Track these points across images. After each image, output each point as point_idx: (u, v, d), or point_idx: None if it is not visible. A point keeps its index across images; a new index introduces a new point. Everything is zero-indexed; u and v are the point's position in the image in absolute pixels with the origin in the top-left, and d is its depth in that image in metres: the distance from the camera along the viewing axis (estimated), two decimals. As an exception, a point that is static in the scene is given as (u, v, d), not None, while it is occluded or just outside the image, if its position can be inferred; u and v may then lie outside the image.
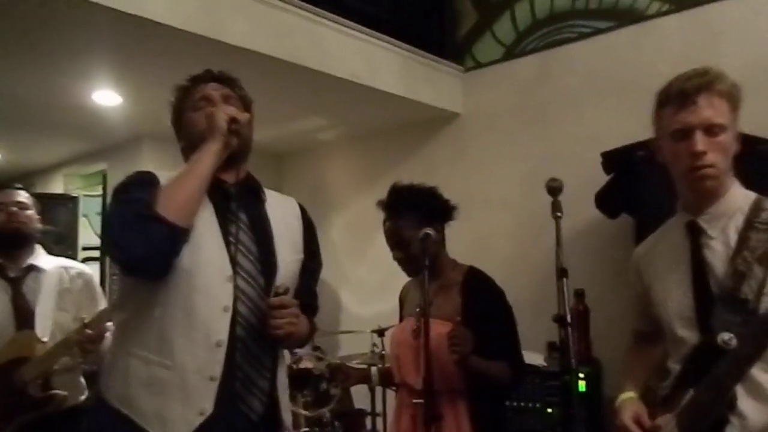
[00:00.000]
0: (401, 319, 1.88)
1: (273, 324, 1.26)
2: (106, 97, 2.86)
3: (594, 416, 2.37)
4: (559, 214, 1.45)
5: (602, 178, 2.38)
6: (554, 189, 1.47)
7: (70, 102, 2.90)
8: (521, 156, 2.97)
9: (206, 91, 1.41)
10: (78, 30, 2.15)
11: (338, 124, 3.44)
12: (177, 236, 1.22)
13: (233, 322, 1.27)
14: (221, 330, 1.26)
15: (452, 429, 1.65)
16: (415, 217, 1.71)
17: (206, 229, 1.28)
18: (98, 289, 2.01)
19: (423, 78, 3.06)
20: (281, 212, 1.44)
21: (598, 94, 2.73)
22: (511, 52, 3.07)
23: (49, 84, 2.69)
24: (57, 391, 1.80)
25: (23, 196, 1.94)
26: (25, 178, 4.19)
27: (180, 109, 1.43)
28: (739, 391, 1.28)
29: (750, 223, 1.35)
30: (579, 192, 2.47)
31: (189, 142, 1.38)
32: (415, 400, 1.63)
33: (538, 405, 2.31)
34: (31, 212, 1.92)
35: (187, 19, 2.15)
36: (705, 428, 1.30)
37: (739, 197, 1.40)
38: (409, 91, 2.96)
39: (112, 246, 1.24)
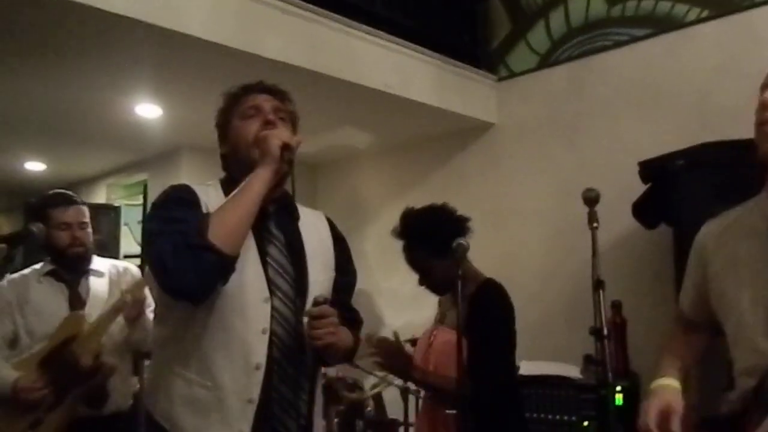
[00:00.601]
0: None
1: (313, 334, 1.25)
2: (148, 109, 2.95)
3: (631, 431, 2.31)
4: (595, 224, 1.42)
5: (638, 189, 2.34)
6: (590, 199, 1.44)
7: (114, 115, 3.00)
8: (555, 166, 2.94)
9: (257, 101, 1.38)
10: (121, 45, 2.22)
11: (372, 134, 3.46)
12: (228, 265, 1.21)
13: (270, 344, 1.27)
14: (259, 352, 1.26)
15: None
16: (425, 248, 1.75)
17: (244, 249, 1.26)
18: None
19: (456, 88, 3.06)
20: (314, 229, 1.44)
21: (633, 104, 2.69)
22: (546, 61, 3.05)
23: (93, 97, 2.79)
24: (106, 360, 1.88)
25: (85, 214, 2.01)
26: (70, 188, 4.33)
27: (227, 115, 1.41)
28: None
29: None
30: (614, 202, 2.44)
31: (233, 149, 1.37)
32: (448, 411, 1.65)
33: (573, 418, 2.26)
34: (90, 229, 2.01)
35: (225, 34, 2.20)
36: None
37: None
38: (442, 102, 2.97)
39: (162, 273, 1.21)
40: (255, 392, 1.26)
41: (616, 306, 2.47)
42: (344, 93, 2.71)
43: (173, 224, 1.22)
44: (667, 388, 1.34)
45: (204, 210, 1.27)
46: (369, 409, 2.56)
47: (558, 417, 2.26)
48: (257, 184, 1.26)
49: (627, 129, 2.71)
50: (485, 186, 3.17)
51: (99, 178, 4.33)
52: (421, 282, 1.80)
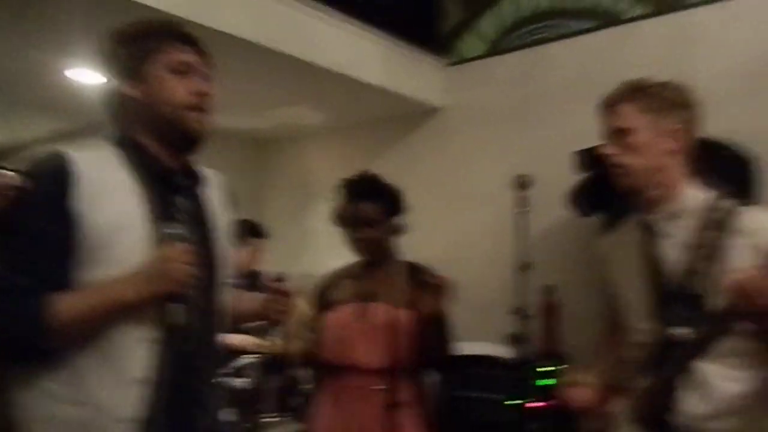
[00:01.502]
0: (327, 306, 1.89)
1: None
2: (82, 74, 2.78)
3: (558, 409, 2.41)
4: (525, 209, 1.50)
5: (578, 177, 2.43)
6: (521, 184, 1.52)
7: (45, 78, 2.83)
8: (502, 152, 3.00)
9: (189, 58, 1.23)
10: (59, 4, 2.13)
11: (322, 113, 3.45)
12: (42, 353, 1.07)
13: (167, 346, 1.12)
14: (141, 362, 1.11)
15: (411, 412, 1.73)
16: (381, 204, 1.82)
17: (134, 229, 1.11)
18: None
19: (406, 71, 3.08)
20: (217, 197, 1.32)
21: (577, 94, 2.75)
22: (495, 49, 3.10)
23: (24, 58, 2.63)
24: None
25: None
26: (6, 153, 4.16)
27: (146, 56, 1.21)
28: (686, 381, 1.36)
29: (702, 222, 1.41)
30: (557, 190, 2.53)
31: (150, 100, 1.19)
32: (375, 386, 1.70)
33: (500, 396, 2.34)
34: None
35: (171, 2, 2.15)
36: (656, 414, 1.39)
37: (692, 197, 1.46)
38: (392, 84, 2.98)
39: None
40: (136, 410, 1.10)
41: (550, 289, 2.56)
42: (294, 70, 2.69)
43: (18, 259, 1.07)
44: (585, 380, 1.59)
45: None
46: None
47: (488, 395, 2.34)
48: (133, 298, 1.09)
49: (571, 119, 2.77)
50: (434, 170, 3.21)
51: (31, 146, 4.16)
52: (358, 236, 1.83)
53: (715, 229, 1.38)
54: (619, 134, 1.45)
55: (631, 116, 1.44)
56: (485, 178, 3.05)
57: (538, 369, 2.34)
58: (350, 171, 3.47)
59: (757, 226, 1.35)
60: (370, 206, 1.82)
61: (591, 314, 2.20)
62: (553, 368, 2.38)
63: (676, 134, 1.43)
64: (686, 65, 2.52)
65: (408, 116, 3.30)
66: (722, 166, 2.15)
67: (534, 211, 2.60)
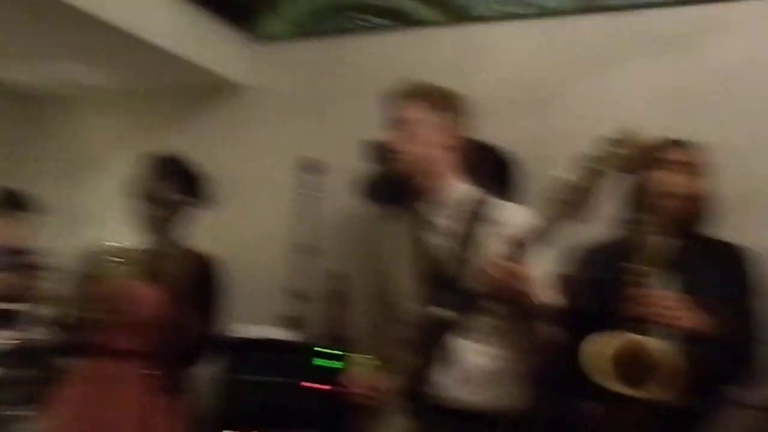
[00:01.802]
0: (95, 283, 1.85)
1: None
2: None
3: (341, 392, 2.47)
4: (311, 192, 1.55)
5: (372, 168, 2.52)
6: (309, 168, 1.58)
7: None
8: (301, 138, 2.96)
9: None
10: None
11: (103, 74, 3.12)
12: None
13: None
14: None
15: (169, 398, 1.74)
16: (178, 185, 1.83)
17: None
18: None
19: (206, 41, 2.92)
20: None
21: (377, 88, 2.83)
22: (304, 33, 3.08)
23: None
24: None
25: None
26: None
27: None
28: (443, 357, 1.53)
29: (464, 212, 1.61)
30: (350, 178, 2.61)
31: None
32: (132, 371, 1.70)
33: (284, 380, 2.34)
34: None
35: None
36: (418, 388, 1.55)
37: (457, 189, 1.66)
38: (186, 52, 2.80)
39: None
40: None
41: (338, 275, 2.63)
42: (70, 19, 2.38)
43: None
44: (364, 364, 1.71)
45: None
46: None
47: (271, 378, 2.33)
48: None
49: (369, 111, 2.85)
50: (226, 148, 3.09)
51: None
52: (148, 212, 1.83)
53: (473, 220, 1.58)
54: (401, 124, 1.65)
55: (414, 109, 1.65)
56: (280, 162, 2.98)
57: (324, 352, 2.39)
58: (137, 140, 3.23)
59: (508, 217, 1.56)
60: (166, 185, 1.81)
61: (377, 300, 2.31)
62: (338, 352, 2.44)
63: (449, 131, 1.65)
64: (469, 74, 2.75)
65: (204, 90, 3.14)
66: (489, 167, 2.40)
67: (329, 199, 2.67)
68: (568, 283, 2.01)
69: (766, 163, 2.34)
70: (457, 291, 1.53)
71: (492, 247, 1.50)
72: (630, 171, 1.16)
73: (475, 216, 1.61)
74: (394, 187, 2.31)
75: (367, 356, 1.78)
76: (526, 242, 1.35)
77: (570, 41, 2.66)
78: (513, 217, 1.56)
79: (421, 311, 1.59)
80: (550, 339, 1.55)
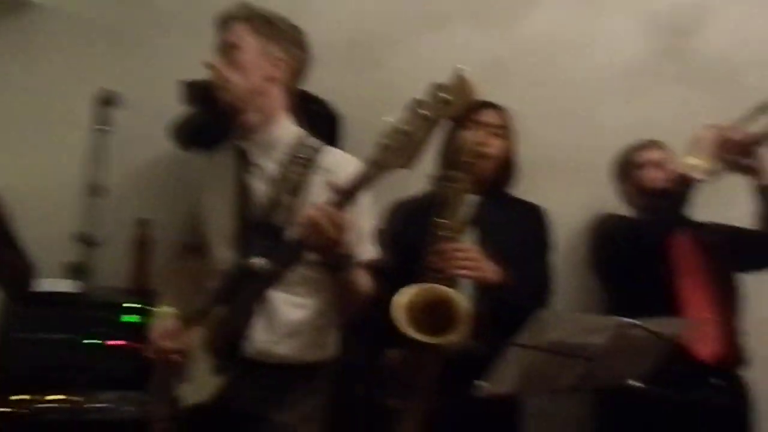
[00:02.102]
0: None
1: None
2: None
3: (142, 347, 2.31)
4: (103, 127, 1.35)
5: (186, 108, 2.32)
6: (110, 103, 1.38)
7: None
8: (99, 70, 2.59)
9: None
10: None
11: None
12: None
13: None
14: None
15: None
16: None
17: None
18: None
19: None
20: None
21: (191, 24, 2.61)
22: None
23: None
24: None
25: None
26: None
27: None
28: (258, 310, 1.46)
29: (291, 156, 1.51)
30: (160, 120, 2.38)
31: None
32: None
33: (77, 336, 2.13)
34: None
35: None
36: (228, 342, 1.45)
37: (285, 129, 1.57)
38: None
39: None
40: None
41: (144, 223, 2.43)
42: None
43: None
44: (167, 315, 1.59)
45: None
46: None
47: (61, 335, 2.09)
48: None
49: (183, 47, 2.62)
50: (11, 76, 2.66)
51: None
52: None
53: (300, 165, 1.49)
54: (227, 49, 1.53)
55: (242, 34, 1.52)
56: (76, 95, 2.61)
57: (125, 305, 2.19)
58: None
59: (336, 164, 1.49)
60: None
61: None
62: (141, 305, 2.27)
63: (279, 63, 1.53)
64: (301, 14, 2.64)
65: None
66: (313, 118, 2.35)
67: (133, 137, 2.42)
68: (382, 235, 2.06)
69: (562, 131, 2.56)
70: (278, 240, 1.44)
71: (319, 195, 1.43)
72: (457, 118, 1.15)
73: (303, 161, 1.51)
74: (211, 128, 2.17)
75: (174, 309, 1.67)
76: (351, 190, 1.28)
77: (397, 1, 2.66)
78: (342, 165, 1.49)
79: (237, 261, 1.49)
80: (366, 290, 1.54)
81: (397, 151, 1.17)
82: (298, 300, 1.52)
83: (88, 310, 2.10)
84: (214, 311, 1.50)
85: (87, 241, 1.31)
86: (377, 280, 1.65)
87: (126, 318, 2.21)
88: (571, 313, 2.00)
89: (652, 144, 2.28)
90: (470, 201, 1.97)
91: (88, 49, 2.66)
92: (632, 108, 2.54)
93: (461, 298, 1.67)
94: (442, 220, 1.80)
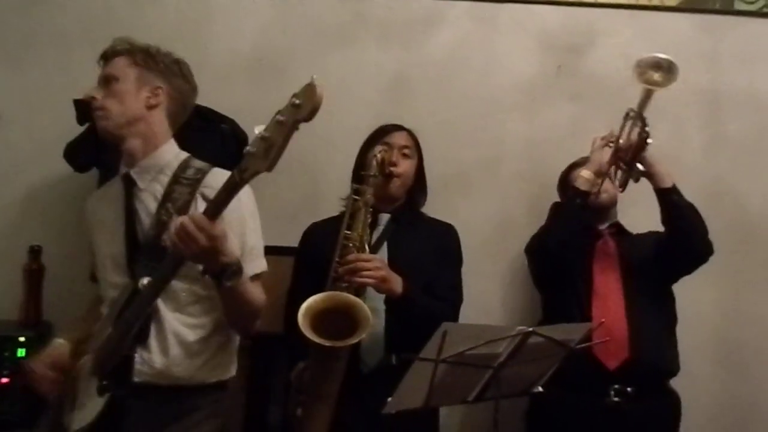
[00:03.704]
0: None
1: None
2: None
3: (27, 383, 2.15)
4: None
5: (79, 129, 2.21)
6: None
7: None
8: None
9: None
10: None
11: None
12: None
13: None
14: None
15: None
16: None
17: None
18: None
19: None
20: None
21: (85, 40, 2.50)
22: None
23: None
24: None
25: None
26: None
27: None
28: (152, 329, 1.45)
29: (176, 178, 1.52)
30: (54, 142, 2.27)
31: None
32: None
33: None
34: None
35: None
36: (115, 364, 1.42)
37: (170, 154, 1.59)
38: None
39: None
40: None
41: (35, 251, 2.28)
42: None
43: None
44: (57, 346, 1.58)
45: None
46: None
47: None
48: None
49: (79, 64, 2.50)
50: None
51: None
52: None
53: (186, 186, 1.50)
54: (107, 81, 1.58)
55: (121, 66, 1.58)
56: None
57: (18, 339, 2.10)
58: None
59: (214, 181, 1.49)
60: None
61: (77, 276, 2.06)
62: (29, 339, 2.13)
63: (158, 91, 1.59)
64: (199, 38, 2.60)
65: None
66: (224, 138, 2.30)
67: (23, 167, 2.30)
68: (297, 257, 2.05)
69: (470, 148, 2.63)
70: (163, 259, 1.42)
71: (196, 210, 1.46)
72: (309, 120, 1.21)
73: (189, 182, 1.52)
74: (98, 149, 2.08)
75: (62, 338, 1.61)
76: (220, 197, 1.30)
77: (301, 19, 2.65)
78: (220, 180, 1.48)
79: (127, 283, 1.48)
80: (259, 302, 1.53)
81: (259, 156, 1.21)
82: (192, 320, 1.51)
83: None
84: (102, 334, 1.46)
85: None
86: (292, 304, 1.69)
87: (14, 352, 2.07)
88: (474, 324, 2.03)
89: (585, 161, 2.34)
90: (381, 219, 2.01)
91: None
92: (532, 124, 2.65)
93: (362, 305, 1.69)
94: (349, 232, 1.84)
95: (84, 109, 2.15)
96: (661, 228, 2.16)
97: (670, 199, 2.07)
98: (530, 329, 1.57)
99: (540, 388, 1.80)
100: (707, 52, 2.69)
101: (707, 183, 2.66)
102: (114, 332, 1.42)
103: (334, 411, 1.70)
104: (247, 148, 1.24)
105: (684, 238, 2.09)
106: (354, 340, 1.63)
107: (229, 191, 1.29)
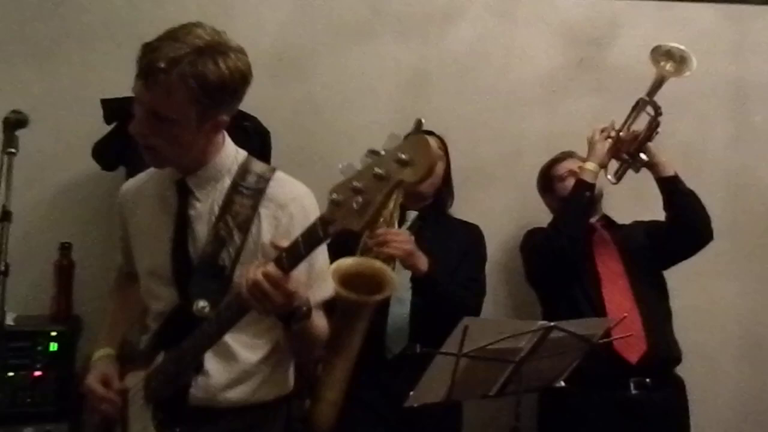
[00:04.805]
0: None
1: None
2: None
3: (67, 377, 2.22)
4: (12, 150, 1.29)
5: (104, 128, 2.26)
6: (12, 123, 1.31)
7: None
8: (16, 91, 2.51)
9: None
10: None
11: None
12: None
13: None
14: None
15: None
16: None
17: None
18: None
19: None
20: None
21: (110, 38, 2.55)
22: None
23: None
24: None
25: None
26: None
27: None
28: (208, 351, 1.30)
29: (236, 187, 1.33)
30: (82, 141, 2.32)
31: None
32: None
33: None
34: None
35: None
36: (169, 394, 1.31)
37: (229, 158, 1.37)
38: None
39: None
40: None
41: (65, 248, 2.34)
42: None
43: None
44: (104, 358, 1.43)
45: None
46: None
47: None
48: None
49: (102, 64, 2.55)
50: None
51: None
52: None
53: (247, 197, 1.33)
54: (157, 116, 1.24)
55: (178, 104, 1.22)
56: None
57: (50, 334, 2.13)
58: None
59: (287, 198, 1.34)
60: None
61: (106, 273, 2.10)
62: (61, 333, 2.19)
63: (219, 122, 1.30)
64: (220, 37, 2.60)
65: None
66: (246, 135, 2.33)
67: (53, 167, 2.34)
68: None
69: (490, 142, 2.63)
70: (224, 281, 1.29)
71: (267, 231, 1.31)
72: (418, 186, 1.09)
73: (250, 192, 1.33)
74: (125, 147, 2.12)
75: (105, 346, 1.50)
76: (299, 251, 1.12)
77: (321, 15, 2.66)
78: (292, 197, 1.35)
79: (178, 302, 1.34)
80: (323, 332, 1.41)
81: (351, 212, 1.01)
82: (251, 340, 1.37)
83: (5, 341, 2.00)
84: (154, 356, 1.36)
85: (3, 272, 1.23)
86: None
87: (47, 347, 2.13)
88: (496, 318, 2.04)
89: (570, 155, 2.37)
90: (409, 216, 2.06)
91: (4, 66, 2.54)
92: (553, 118, 2.64)
93: (387, 269, 1.75)
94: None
95: (111, 108, 2.21)
96: (639, 218, 2.18)
97: (674, 188, 2.13)
98: (552, 324, 1.58)
99: (562, 383, 1.82)
100: (732, 42, 2.65)
101: (732, 174, 2.63)
102: (169, 362, 1.32)
103: (352, 372, 1.69)
104: (334, 195, 1.03)
105: (689, 225, 2.14)
106: (380, 297, 1.67)
107: (310, 245, 1.11)
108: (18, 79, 2.50)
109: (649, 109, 2.12)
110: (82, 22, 2.59)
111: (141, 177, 1.50)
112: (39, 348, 2.12)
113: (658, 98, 2.13)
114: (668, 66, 2.08)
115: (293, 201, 1.32)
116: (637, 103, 2.15)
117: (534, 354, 1.64)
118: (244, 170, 1.36)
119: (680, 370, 2.20)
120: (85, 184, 2.45)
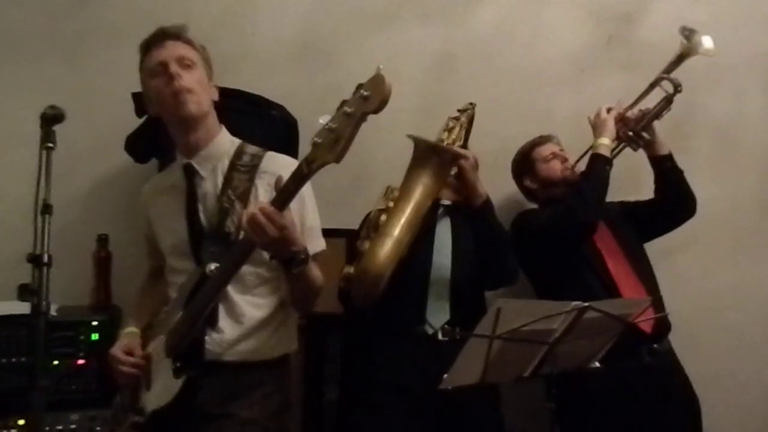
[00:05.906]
0: None
1: None
2: None
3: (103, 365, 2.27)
4: (50, 145, 1.34)
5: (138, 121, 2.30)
6: (50, 118, 1.36)
7: None
8: (48, 88, 2.58)
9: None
10: None
11: None
12: None
13: None
14: None
15: None
16: None
17: None
18: None
19: None
20: None
21: (136, 33, 2.57)
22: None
23: None
24: None
25: None
26: None
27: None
28: (221, 310, 1.52)
29: (234, 165, 1.56)
30: (115, 134, 2.36)
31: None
32: None
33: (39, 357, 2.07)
34: None
35: None
36: (187, 345, 1.49)
37: (226, 143, 1.63)
38: None
39: None
40: None
41: (102, 239, 2.40)
42: None
43: None
44: (128, 334, 1.64)
45: None
46: None
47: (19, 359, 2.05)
48: None
49: (130, 58, 2.58)
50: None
51: None
52: None
53: (244, 172, 1.55)
54: (183, 63, 1.55)
55: (194, 55, 1.58)
56: (25, 116, 2.57)
57: (92, 323, 2.19)
58: None
59: (279, 167, 1.53)
60: None
61: (143, 264, 2.14)
62: (102, 322, 2.24)
63: (215, 88, 1.63)
64: (246, 28, 2.63)
65: None
66: (273, 124, 2.35)
67: (87, 161, 2.39)
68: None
69: (518, 123, 2.61)
70: (229, 244, 1.48)
71: (263, 197, 1.51)
72: (377, 112, 1.21)
73: (247, 168, 1.57)
74: (156, 139, 2.15)
75: (132, 326, 1.69)
76: (289, 188, 1.33)
77: (344, 1, 2.66)
78: (284, 166, 1.52)
79: (193, 269, 1.54)
80: (319, 282, 1.58)
81: (326, 147, 1.23)
82: (258, 300, 1.57)
83: (49, 331, 2.06)
84: (173, 317, 1.53)
85: (39, 261, 1.28)
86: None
87: (89, 336, 2.18)
88: (528, 300, 2.03)
89: (549, 139, 2.40)
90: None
91: (41, 68, 2.59)
92: (582, 97, 2.60)
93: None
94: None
95: (142, 101, 2.24)
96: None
97: (671, 165, 2.23)
98: (586, 304, 1.57)
99: (597, 364, 1.80)
100: (767, 13, 2.57)
101: (767, 149, 2.56)
102: (185, 316, 1.48)
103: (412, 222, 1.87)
104: (314, 138, 1.25)
105: (679, 201, 2.25)
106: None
107: (297, 182, 1.31)
108: (49, 76, 2.55)
109: (667, 86, 2.12)
110: (108, 18, 2.63)
111: (155, 178, 1.80)
112: (81, 337, 2.18)
113: (690, 72, 2.08)
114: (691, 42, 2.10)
115: (284, 168, 1.45)
116: (657, 79, 2.15)
117: (568, 335, 1.63)
118: (239, 152, 1.60)
119: (717, 350, 2.18)
120: (119, 177, 2.50)
